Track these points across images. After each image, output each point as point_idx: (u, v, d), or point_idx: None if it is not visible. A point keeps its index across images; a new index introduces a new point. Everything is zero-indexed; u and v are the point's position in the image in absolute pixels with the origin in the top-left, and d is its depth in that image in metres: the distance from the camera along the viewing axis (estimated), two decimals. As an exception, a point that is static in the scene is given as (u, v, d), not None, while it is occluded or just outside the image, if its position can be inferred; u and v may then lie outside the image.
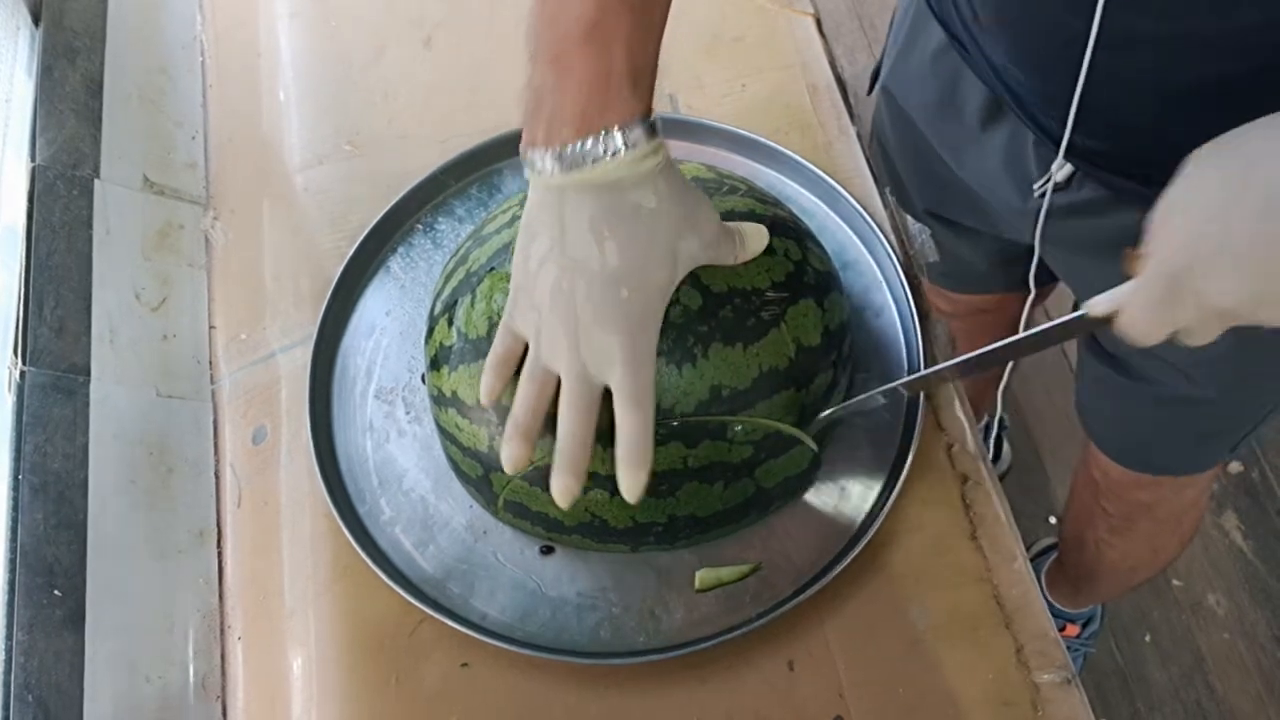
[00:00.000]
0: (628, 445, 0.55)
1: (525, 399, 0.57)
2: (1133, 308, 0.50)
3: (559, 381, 0.57)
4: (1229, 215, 0.44)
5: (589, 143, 0.52)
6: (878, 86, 0.88)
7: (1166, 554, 1.14)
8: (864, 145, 0.83)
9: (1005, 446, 1.61)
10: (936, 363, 0.72)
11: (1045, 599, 1.34)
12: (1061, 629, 1.41)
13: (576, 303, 0.55)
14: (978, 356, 0.59)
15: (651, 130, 0.54)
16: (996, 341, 0.69)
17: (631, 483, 0.55)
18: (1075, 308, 0.54)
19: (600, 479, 0.61)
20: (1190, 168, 0.47)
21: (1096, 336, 0.84)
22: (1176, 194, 0.47)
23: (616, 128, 0.52)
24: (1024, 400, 1.68)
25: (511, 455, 0.57)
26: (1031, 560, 1.48)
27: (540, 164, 0.54)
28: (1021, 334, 0.56)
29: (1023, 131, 0.69)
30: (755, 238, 0.61)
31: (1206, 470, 0.95)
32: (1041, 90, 0.64)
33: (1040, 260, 0.78)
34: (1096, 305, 0.52)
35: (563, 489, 0.56)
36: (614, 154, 0.52)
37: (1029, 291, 0.77)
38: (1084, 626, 1.43)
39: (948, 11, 0.71)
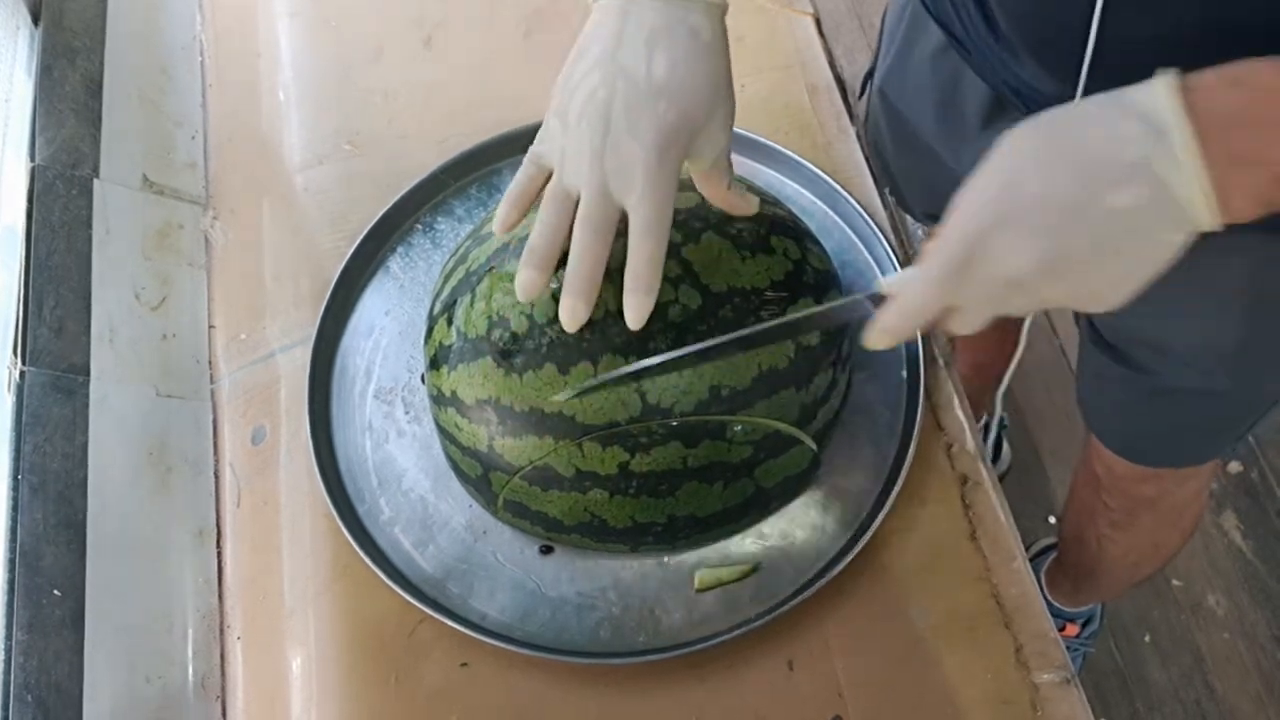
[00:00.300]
0: (636, 271, 0.55)
1: (544, 223, 0.57)
2: (919, 279, 0.50)
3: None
4: (1029, 180, 0.45)
5: None
6: (873, 89, 0.88)
7: (1168, 548, 1.13)
8: (863, 145, 0.83)
9: (1005, 446, 1.61)
10: (936, 363, 0.72)
11: (1045, 599, 1.34)
12: (1061, 629, 1.41)
13: (612, 110, 0.55)
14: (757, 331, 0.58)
15: None
16: (993, 344, 0.69)
17: (636, 308, 0.55)
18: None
19: (600, 478, 0.61)
20: (994, 150, 0.47)
21: (1096, 326, 0.84)
22: (978, 172, 0.47)
23: None
24: (1024, 400, 1.68)
25: (525, 281, 0.57)
26: (1031, 560, 1.48)
27: None
28: (806, 311, 0.57)
29: None
30: (748, 194, 0.62)
31: (1210, 462, 0.95)
32: (1049, 85, 0.63)
33: None
34: (886, 281, 0.53)
35: (569, 311, 0.55)
36: None
37: None
38: (1083, 626, 1.43)
39: (945, 12, 0.71)
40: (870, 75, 0.89)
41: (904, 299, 0.51)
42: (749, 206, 0.62)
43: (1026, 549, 1.47)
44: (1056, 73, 0.60)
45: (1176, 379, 0.78)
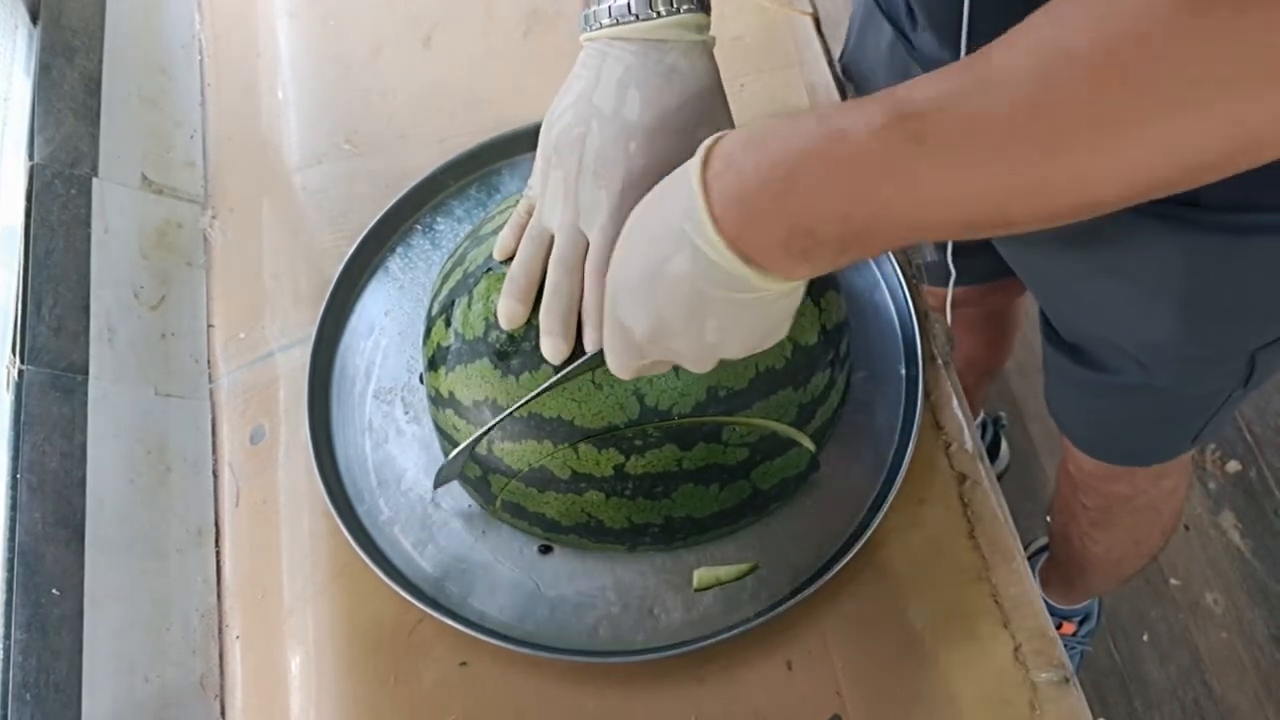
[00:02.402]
0: (587, 306, 0.57)
1: (522, 258, 0.59)
2: (603, 341, 0.53)
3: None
4: (625, 251, 0.49)
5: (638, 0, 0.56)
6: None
7: (1150, 545, 1.14)
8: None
9: (1003, 445, 1.61)
10: (935, 362, 0.72)
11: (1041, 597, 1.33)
12: (1058, 627, 1.41)
13: (584, 149, 0.56)
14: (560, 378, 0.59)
15: (699, 4, 0.57)
16: (982, 340, 0.70)
17: (586, 341, 0.57)
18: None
19: (596, 480, 0.61)
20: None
21: (1054, 325, 0.85)
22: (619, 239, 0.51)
23: None
24: (1022, 399, 1.68)
25: (506, 310, 0.59)
26: (1027, 559, 1.48)
27: (591, 21, 0.57)
28: (567, 369, 0.58)
29: None
30: None
31: (1172, 459, 0.95)
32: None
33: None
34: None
35: (550, 348, 0.58)
36: (659, 13, 0.56)
37: (995, 284, 0.78)
38: (1080, 624, 1.43)
39: (894, 6, 0.72)
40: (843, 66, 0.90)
41: (606, 356, 0.53)
42: None
43: (1024, 548, 1.47)
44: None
45: (1132, 376, 0.79)
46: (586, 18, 0.58)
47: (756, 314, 0.47)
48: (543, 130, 0.60)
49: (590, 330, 0.57)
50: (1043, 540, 1.49)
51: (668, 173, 0.57)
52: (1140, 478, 0.99)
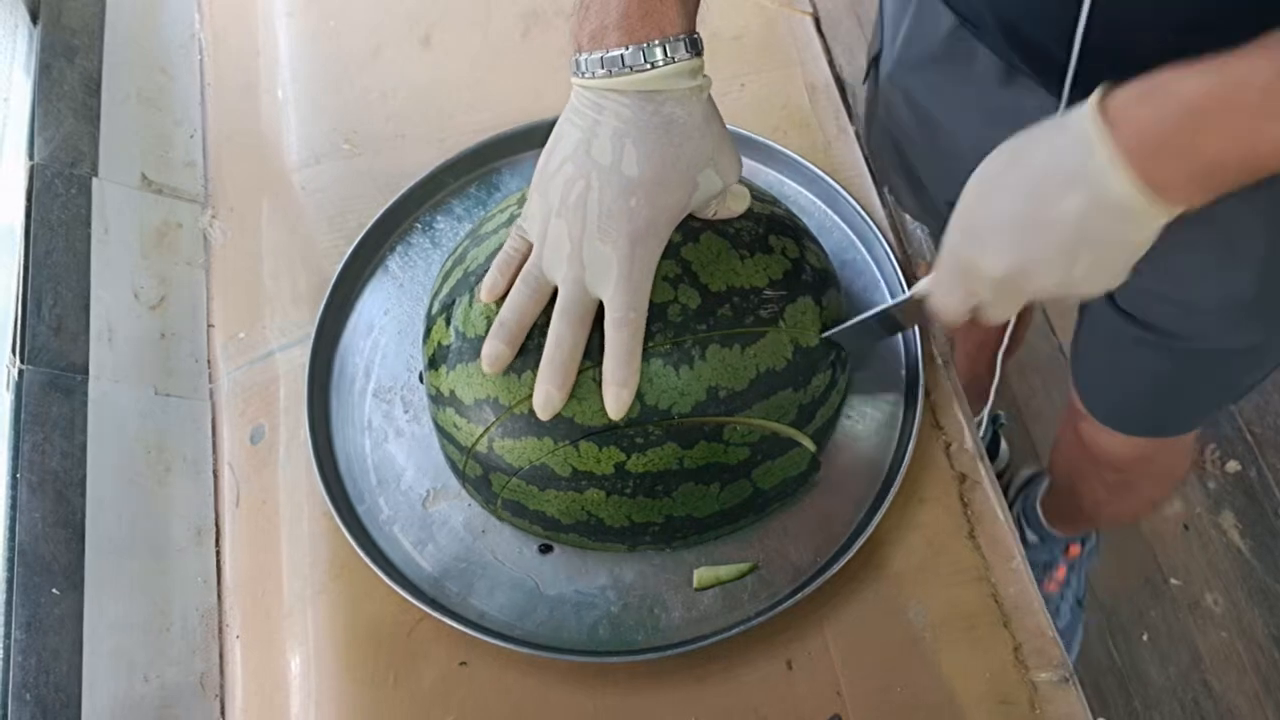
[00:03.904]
0: (611, 366, 0.57)
1: (515, 302, 0.59)
2: (935, 285, 0.57)
3: (554, 294, 0.58)
4: (993, 196, 0.52)
5: (630, 50, 0.55)
6: (882, 78, 0.87)
7: (1163, 497, 1.20)
8: (862, 144, 0.83)
9: (1003, 445, 1.61)
10: (935, 361, 0.72)
11: (1043, 526, 1.35)
12: (1064, 550, 1.40)
13: (586, 206, 0.56)
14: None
15: (694, 50, 0.56)
16: (989, 339, 0.70)
17: (613, 400, 0.57)
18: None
19: (596, 478, 0.61)
20: (971, 177, 0.53)
21: (1114, 297, 0.84)
22: (961, 197, 0.54)
23: (658, 39, 0.55)
24: (1022, 399, 1.68)
25: (492, 353, 0.59)
26: (1020, 490, 1.50)
27: (584, 67, 0.56)
28: (869, 312, 0.64)
29: (1044, 100, 0.69)
30: (738, 199, 0.63)
31: (1209, 419, 0.96)
32: (1048, 44, 0.63)
33: None
34: (919, 286, 0.59)
35: (543, 398, 0.58)
36: (654, 64, 0.55)
37: None
38: (1083, 544, 1.43)
39: None
40: (876, 61, 0.88)
41: (931, 303, 0.58)
42: (739, 207, 0.63)
43: (1008, 486, 1.49)
44: (1057, 28, 0.60)
45: (1202, 340, 0.78)
46: (578, 63, 0.56)
47: (1127, 249, 0.50)
48: (538, 177, 0.59)
49: (619, 388, 0.57)
50: (1028, 472, 1.49)
51: (672, 223, 0.58)
52: (1168, 444, 0.99)
